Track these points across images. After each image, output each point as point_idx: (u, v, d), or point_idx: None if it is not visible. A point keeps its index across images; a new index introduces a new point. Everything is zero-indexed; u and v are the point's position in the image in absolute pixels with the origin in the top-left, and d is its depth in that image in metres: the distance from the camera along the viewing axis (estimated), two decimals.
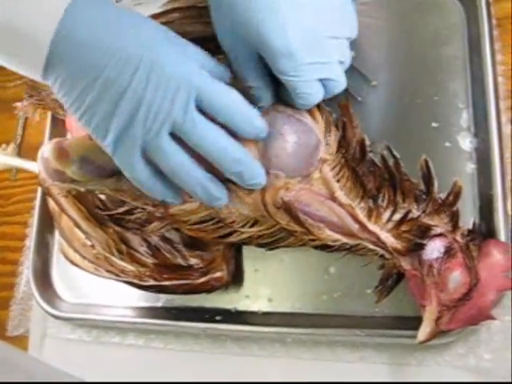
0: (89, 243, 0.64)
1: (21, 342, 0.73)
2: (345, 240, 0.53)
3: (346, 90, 0.55)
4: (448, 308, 0.49)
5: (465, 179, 0.55)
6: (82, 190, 0.60)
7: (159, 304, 0.66)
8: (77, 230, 0.65)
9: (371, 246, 0.52)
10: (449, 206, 0.52)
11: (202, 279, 0.60)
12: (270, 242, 0.58)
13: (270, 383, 0.61)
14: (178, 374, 0.64)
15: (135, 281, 0.62)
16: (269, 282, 0.61)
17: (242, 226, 0.57)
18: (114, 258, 0.63)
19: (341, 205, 0.52)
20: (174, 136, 0.48)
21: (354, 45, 0.55)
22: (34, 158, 0.65)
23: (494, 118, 0.55)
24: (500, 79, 0.57)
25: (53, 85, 0.48)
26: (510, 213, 0.54)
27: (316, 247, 0.57)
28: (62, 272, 0.72)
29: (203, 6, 0.63)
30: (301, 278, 0.60)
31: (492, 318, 0.49)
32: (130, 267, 0.62)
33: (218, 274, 0.60)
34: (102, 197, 0.65)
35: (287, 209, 0.53)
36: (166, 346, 0.65)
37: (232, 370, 0.62)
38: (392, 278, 0.55)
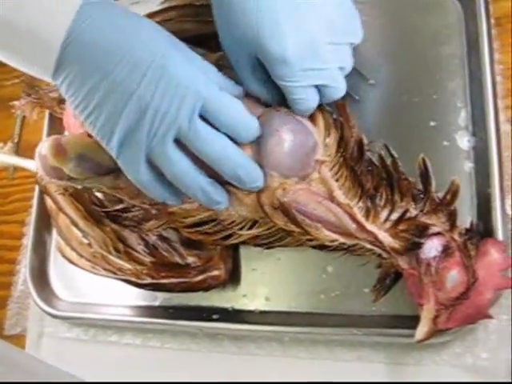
0: (86, 242, 0.64)
1: (18, 340, 0.73)
2: (342, 240, 0.53)
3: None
4: (446, 307, 0.49)
5: (463, 178, 0.55)
6: (79, 187, 0.60)
7: (156, 303, 0.66)
8: (74, 229, 0.65)
9: (369, 246, 0.52)
10: (446, 205, 0.51)
11: (200, 277, 0.60)
12: (268, 242, 0.58)
13: (268, 383, 0.60)
14: (175, 373, 0.64)
15: (132, 279, 0.62)
16: (266, 281, 0.61)
17: (241, 229, 0.57)
18: (111, 257, 0.63)
19: (339, 204, 0.52)
20: (178, 142, 0.48)
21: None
22: (31, 157, 0.64)
23: (492, 116, 0.55)
24: (498, 78, 0.57)
25: (61, 85, 0.49)
26: (507, 212, 0.54)
27: (314, 247, 0.57)
28: (59, 271, 0.72)
29: (200, 4, 0.63)
30: (298, 277, 0.60)
31: (489, 316, 0.49)
32: (127, 265, 0.62)
33: (215, 273, 0.60)
34: (99, 195, 0.65)
35: (284, 210, 0.52)
36: (164, 345, 0.65)
37: (229, 369, 0.62)
38: (390, 277, 0.55)
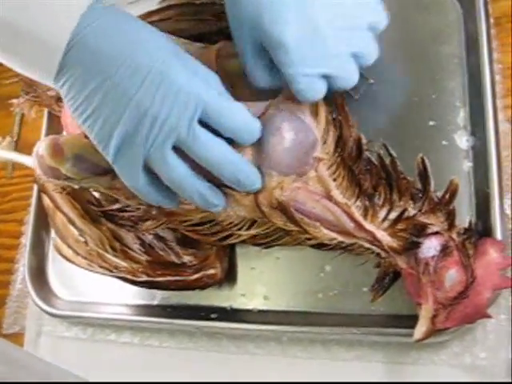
0: (82, 240, 0.64)
1: (16, 339, 0.73)
2: (341, 238, 0.53)
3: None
4: (444, 306, 0.49)
5: (461, 177, 0.55)
6: (76, 187, 0.60)
7: (155, 302, 0.66)
8: (71, 227, 0.65)
9: (367, 245, 0.52)
10: (445, 205, 0.51)
11: (196, 276, 0.60)
12: (267, 242, 0.58)
13: (268, 383, 0.60)
14: (173, 373, 0.64)
15: (128, 276, 0.62)
16: (264, 281, 0.61)
17: (240, 229, 0.57)
18: (107, 255, 0.63)
19: (336, 203, 0.52)
20: (176, 147, 0.48)
21: None
22: (30, 155, 0.65)
23: (490, 116, 0.55)
24: (497, 78, 0.57)
25: (61, 87, 0.49)
26: (506, 211, 0.54)
27: (312, 246, 0.56)
28: (57, 270, 0.72)
29: (199, 3, 0.63)
30: (296, 276, 0.60)
31: (488, 316, 0.49)
32: (123, 263, 0.62)
33: (211, 271, 0.60)
34: (96, 194, 0.65)
35: (282, 209, 0.52)
36: (162, 344, 0.65)
37: (227, 368, 0.62)
38: (388, 277, 0.55)
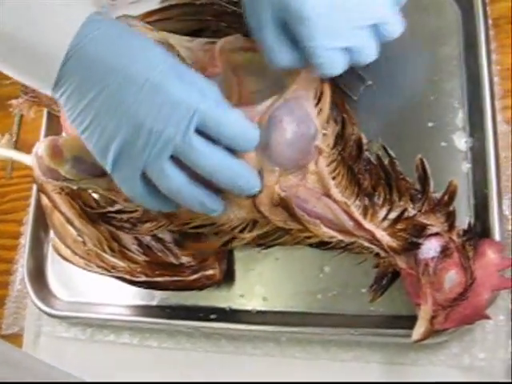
0: (80, 239, 0.64)
1: (15, 340, 0.73)
2: (340, 237, 0.53)
3: (341, 89, 0.55)
4: (443, 307, 0.49)
5: (460, 178, 0.55)
6: (75, 188, 0.61)
7: (154, 303, 0.66)
8: (69, 226, 0.65)
9: (367, 244, 0.52)
10: (444, 206, 0.52)
11: (194, 276, 0.60)
12: (267, 241, 0.59)
13: (267, 383, 0.60)
14: (172, 373, 0.64)
15: (126, 276, 0.62)
16: (263, 281, 0.61)
17: (242, 231, 0.57)
18: (105, 255, 0.63)
19: (336, 202, 0.52)
20: (174, 157, 0.48)
21: None
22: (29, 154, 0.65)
23: (489, 117, 0.55)
24: (496, 79, 0.57)
25: (59, 98, 0.49)
26: (505, 212, 0.54)
27: (312, 245, 0.57)
28: (56, 270, 0.72)
29: (200, 3, 0.63)
30: (295, 277, 0.60)
31: (487, 317, 0.49)
32: (121, 264, 0.62)
33: (209, 272, 0.60)
34: (96, 196, 0.65)
35: (284, 205, 0.52)
36: (161, 345, 0.66)
37: (226, 369, 0.62)
38: (387, 277, 0.55)
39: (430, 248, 0.50)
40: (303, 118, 0.53)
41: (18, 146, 0.79)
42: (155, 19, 0.66)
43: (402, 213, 0.51)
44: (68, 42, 0.46)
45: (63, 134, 0.70)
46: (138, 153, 0.47)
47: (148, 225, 0.61)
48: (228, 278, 0.62)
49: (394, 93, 0.60)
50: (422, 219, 0.51)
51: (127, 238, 0.63)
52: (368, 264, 0.56)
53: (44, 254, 0.73)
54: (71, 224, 0.65)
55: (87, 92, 0.47)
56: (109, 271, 0.63)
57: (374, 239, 0.51)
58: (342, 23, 0.50)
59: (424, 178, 0.53)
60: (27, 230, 0.73)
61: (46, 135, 0.74)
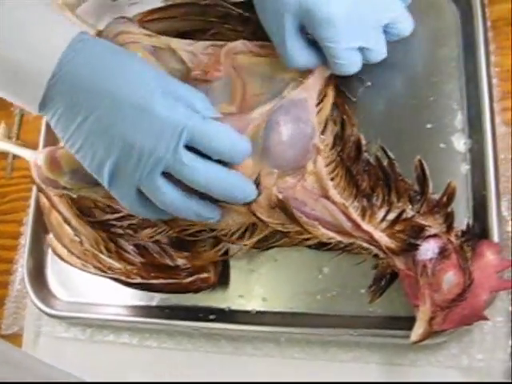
0: (77, 239, 0.64)
1: (15, 340, 0.73)
2: (339, 238, 0.53)
3: (340, 90, 0.55)
4: (441, 308, 0.49)
5: (459, 180, 0.55)
6: (74, 196, 0.61)
7: (153, 303, 0.66)
8: (66, 226, 0.65)
9: (365, 245, 0.53)
10: (443, 207, 0.52)
11: (189, 279, 0.61)
12: (265, 244, 0.59)
13: (266, 383, 0.61)
14: (171, 373, 0.64)
15: (122, 278, 0.62)
16: (263, 282, 0.62)
17: (242, 236, 0.58)
18: (101, 255, 0.63)
19: (334, 203, 0.52)
20: (167, 173, 0.49)
21: None
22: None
23: (488, 119, 0.55)
24: (494, 81, 0.57)
25: (50, 120, 0.50)
26: (503, 213, 0.54)
27: (311, 246, 0.57)
28: (56, 270, 0.72)
29: (204, 3, 0.63)
30: (295, 277, 0.60)
31: (485, 318, 0.49)
32: (117, 265, 0.62)
33: (204, 275, 0.60)
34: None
35: (283, 207, 0.53)
36: (160, 345, 0.66)
37: (225, 369, 0.62)
38: (385, 278, 0.55)
39: (428, 249, 0.50)
40: (300, 117, 0.53)
41: (18, 145, 0.79)
42: (155, 18, 0.66)
43: (401, 214, 0.51)
44: (52, 65, 0.47)
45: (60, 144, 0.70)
46: (131, 172, 0.48)
47: (147, 231, 0.61)
48: (228, 278, 0.62)
49: (392, 94, 0.60)
50: (421, 220, 0.51)
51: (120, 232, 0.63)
52: (367, 265, 0.56)
53: (44, 254, 0.73)
54: (68, 224, 0.65)
55: (75, 116, 0.48)
56: (105, 272, 0.63)
57: (372, 240, 0.52)
58: (360, 24, 0.52)
59: (423, 180, 0.53)
60: (27, 230, 0.73)
61: (46, 135, 0.74)
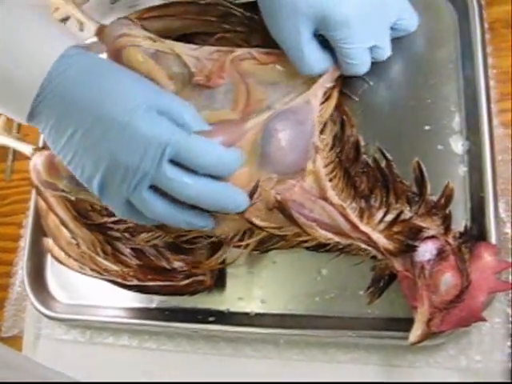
0: (74, 242, 0.64)
1: (15, 342, 0.73)
2: (337, 239, 0.53)
3: (342, 91, 0.55)
4: (439, 310, 0.49)
5: (457, 182, 0.55)
6: (73, 199, 0.61)
7: (153, 305, 0.66)
8: (63, 228, 0.65)
9: (364, 246, 0.53)
10: (441, 209, 0.52)
11: (186, 281, 0.61)
12: (262, 248, 0.59)
13: (265, 383, 0.61)
14: (171, 375, 0.64)
15: (119, 280, 0.62)
16: (262, 284, 0.62)
17: (241, 240, 0.58)
18: (98, 258, 0.63)
19: (332, 204, 0.53)
20: (154, 186, 0.49)
21: None
22: (27, 157, 0.65)
23: (485, 121, 0.55)
24: (492, 82, 0.57)
25: (41, 132, 0.51)
26: (501, 215, 0.54)
27: (309, 248, 0.57)
28: (56, 273, 0.73)
29: (204, 3, 0.63)
30: (293, 279, 0.60)
31: (483, 319, 0.49)
32: (113, 267, 0.63)
33: (201, 278, 0.61)
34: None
35: (281, 208, 0.53)
36: (160, 347, 0.66)
37: (225, 371, 0.63)
38: (384, 280, 0.55)
39: (426, 251, 0.50)
40: (299, 120, 0.53)
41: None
42: (154, 15, 0.66)
43: (399, 215, 0.51)
44: (41, 78, 0.47)
45: None
46: (118, 186, 0.48)
47: (144, 235, 0.62)
48: (224, 281, 0.63)
49: (390, 96, 0.60)
50: (419, 222, 0.51)
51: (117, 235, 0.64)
52: (365, 266, 0.56)
53: (43, 256, 0.73)
54: (66, 226, 0.65)
55: (65, 130, 0.48)
56: (101, 274, 0.63)
57: (370, 241, 0.52)
58: (372, 23, 0.53)
59: (421, 181, 0.53)
60: (27, 232, 0.74)
61: None
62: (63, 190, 0.60)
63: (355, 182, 0.54)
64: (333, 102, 0.57)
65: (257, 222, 0.54)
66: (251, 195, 0.53)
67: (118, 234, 0.63)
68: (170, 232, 0.59)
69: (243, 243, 0.58)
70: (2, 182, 0.83)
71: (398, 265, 0.52)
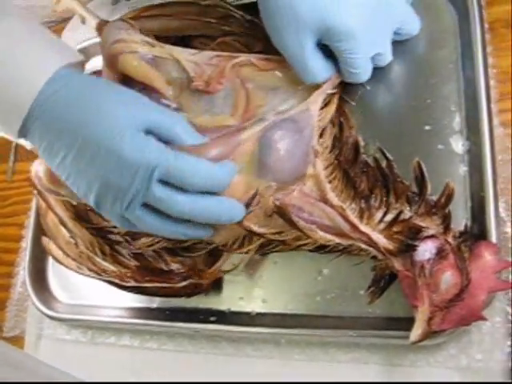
0: (73, 241, 0.64)
1: (17, 342, 0.73)
2: (337, 240, 0.53)
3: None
4: (440, 309, 0.49)
5: (457, 181, 0.55)
6: (75, 203, 0.62)
7: (154, 305, 0.66)
8: (62, 228, 0.65)
9: (364, 246, 0.53)
10: (441, 208, 0.52)
11: (183, 283, 0.61)
12: (262, 251, 0.59)
13: (267, 383, 0.61)
14: (172, 375, 0.64)
15: (116, 280, 0.63)
16: (263, 284, 0.62)
17: (241, 246, 0.58)
18: (96, 258, 0.63)
19: (332, 206, 0.53)
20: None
21: None
22: (29, 158, 0.66)
23: (485, 120, 0.55)
24: (492, 82, 0.57)
25: (37, 151, 0.51)
26: (501, 214, 0.54)
27: (310, 250, 0.57)
28: (57, 273, 0.73)
29: (204, 4, 0.63)
30: (294, 279, 0.60)
31: (483, 318, 0.49)
32: (111, 267, 0.63)
33: (197, 280, 0.61)
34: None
35: (280, 212, 0.53)
36: (161, 347, 0.66)
37: (226, 370, 0.63)
38: (384, 279, 0.55)
39: (426, 250, 0.50)
40: (297, 128, 0.54)
41: (18, 146, 0.80)
42: (152, 14, 0.66)
43: (398, 215, 0.52)
44: (30, 99, 0.48)
45: None
46: (112, 204, 0.49)
47: (144, 240, 0.62)
48: (213, 285, 0.63)
49: (391, 96, 0.60)
50: (418, 221, 0.51)
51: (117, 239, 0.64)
52: (366, 266, 0.56)
53: (45, 257, 0.73)
54: (64, 225, 0.65)
55: (56, 154, 0.49)
56: (99, 274, 0.63)
57: (370, 241, 0.52)
58: (377, 32, 0.53)
59: (421, 181, 0.53)
60: (28, 233, 0.74)
61: None
62: (65, 196, 0.60)
63: (355, 183, 0.54)
64: (332, 107, 0.57)
65: (255, 228, 0.54)
66: (248, 205, 0.53)
67: (118, 238, 0.63)
68: (169, 239, 0.59)
69: (243, 250, 0.58)
70: (3, 183, 0.83)
71: (398, 264, 0.52)
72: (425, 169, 0.53)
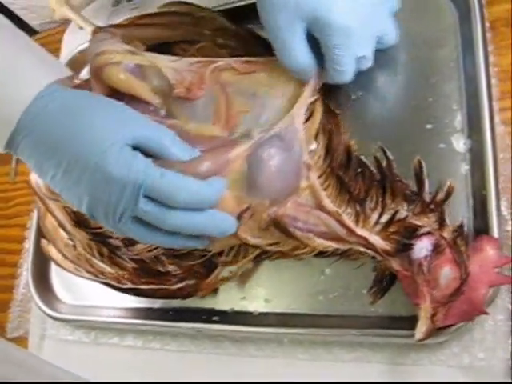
0: (71, 243, 0.65)
1: (20, 343, 0.74)
2: (335, 245, 0.54)
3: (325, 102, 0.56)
4: (442, 304, 0.49)
5: (459, 180, 0.55)
6: (75, 208, 0.62)
7: (157, 305, 0.66)
8: (60, 230, 0.66)
9: (362, 249, 0.53)
10: (437, 206, 0.52)
11: (179, 285, 0.61)
12: (260, 259, 0.60)
13: (268, 383, 0.61)
14: (175, 375, 0.65)
15: (113, 282, 0.63)
16: (265, 283, 0.62)
17: (236, 255, 0.59)
18: (94, 260, 0.64)
19: (328, 213, 0.53)
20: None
21: None
22: None
23: (487, 119, 0.55)
24: (493, 80, 0.57)
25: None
26: (503, 213, 0.54)
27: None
28: (60, 274, 0.73)
29: (199, 16, 0.64)
30: (297, 279, 0.60)
31: (485, 312, 0.49)
32: (109, 269, 0.63)
33: (194, 281, 0.61)
34: None
35: (276, 224, 0.53)
36: (164, 347, 0.66)
37: (229, 370, 0.63)
38: (385, 279, 0.55)
39: (422, 247, 0.50)
40: (286, 145, 0.53)
41: None
42: (146, 23, 0.66)
43: (394, 215, 0.52)
44: (18, 114, 0.48)
45: None
46: (104, 218, 0.49)
47: (141, 246, 0.61)
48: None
49: (392, 95, 0.60)
50: (414, 220, 0.51)
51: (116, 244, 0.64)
52: (369, 266, 0.57)
53: (48, 258, 0.74)
54: (63, 228, 0.65)
55: (46, 172, 0.49)
56: (97, 276, 0.64)
57: (367, 244, 0.52)
58: (364, 33, 0.53)
59: (420, 180, 0.53)
60: (31, 234, 0.74)
61: None
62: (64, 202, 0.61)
63: (349, 187, 0.54)
64: (317, 116, 0.57)
65: (252, 240, 0.54)
66: (240, 217, 0.52)
67: (117, 243, 0.63)
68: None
69: (239, 264, 0.59)
70: (6, 185, 0.83)
71: (396, 265, 0.52)
72: (424, 167, 0.53)
